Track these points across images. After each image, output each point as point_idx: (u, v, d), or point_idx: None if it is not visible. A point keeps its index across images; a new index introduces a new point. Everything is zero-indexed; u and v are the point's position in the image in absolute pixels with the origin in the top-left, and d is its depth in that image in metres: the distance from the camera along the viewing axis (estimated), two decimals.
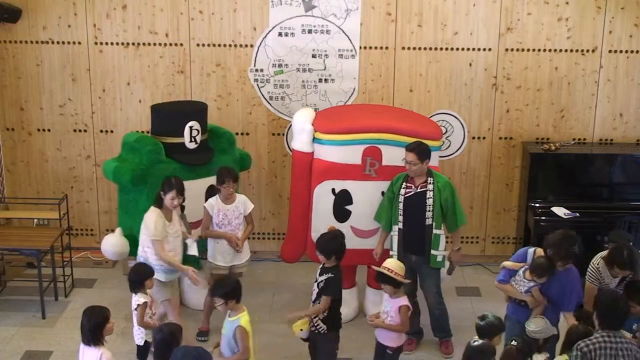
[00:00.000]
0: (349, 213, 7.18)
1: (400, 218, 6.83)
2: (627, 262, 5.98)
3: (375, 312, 6.45)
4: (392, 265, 6.11)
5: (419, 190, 6.76)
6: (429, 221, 6.76)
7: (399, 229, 6.85)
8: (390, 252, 6.95)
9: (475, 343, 5.41)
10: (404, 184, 6.80)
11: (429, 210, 6.75)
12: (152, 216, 6.59)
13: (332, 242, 6.24)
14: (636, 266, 6.04)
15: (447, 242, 6.98)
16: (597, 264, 6.19)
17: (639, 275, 6.08)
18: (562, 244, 5.85)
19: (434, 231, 6.78)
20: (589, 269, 6.21)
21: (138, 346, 6.25)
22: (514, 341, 5.35)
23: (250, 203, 7.18)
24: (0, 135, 8.69)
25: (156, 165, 7.22)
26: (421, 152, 6.68)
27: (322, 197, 7.15)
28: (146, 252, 6.66)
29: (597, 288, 6.07)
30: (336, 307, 6.29)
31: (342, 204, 7.17)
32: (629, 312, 5.33)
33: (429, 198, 6.73)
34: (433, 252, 6.82)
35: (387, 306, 6.18)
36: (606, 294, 5.44)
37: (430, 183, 6.75)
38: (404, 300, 6.14)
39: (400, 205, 6.81)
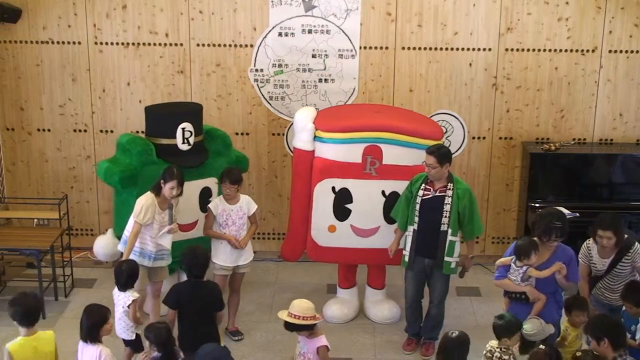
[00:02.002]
0: (348, 212, 7.18)
1: (416, 219, 6.76)
2: (609, 222, 6.11)
3: (291, 355, 5.99)
4: (298, 309, 5.59)
5: (437, 194, 6.67)
6: (444, 227, 6.66)
7: (414, 229, 6.79)
8: (403, 252, 6.92)
9: (453, 334, 5.38)
10: (423, 185, 6.71)
11: (446, 216, 6.64)
12: (143, 199, 6.68)
13: (188, 255, 6.22)
14: (619, 230, 6.12)
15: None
16: (588, 242, 6.34)
17: (622, 242, 6.16)
18: (542, 219, 5.99)
19: (449, 238, 6.69)
20: (581, 248, 6.36)
21: (130, 341, 6.25)
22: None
23: (254, 204, 7.19)
24: (0, 135, 8.69)
25: (146, 166, 7.21)
26: (441, 155, 6.58)
27: (322, 195, 7.15)
28: (127, 236, 6.78)
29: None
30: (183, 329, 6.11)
31: (342, 202, 7.16)
32: None
33: (446, 204, 6.64)
34: (447, 258, 6.74)
35: (304, 347, 5.71)
36: None
37: (449, 189, 6.65)
38: (321, 340, 5.67)
39: (417, 207, 6.72)
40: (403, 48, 8.34)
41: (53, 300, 7.90)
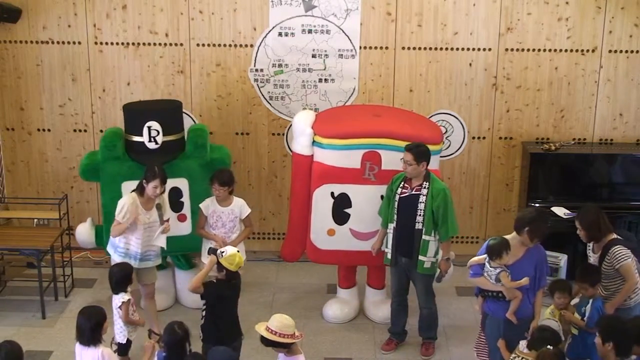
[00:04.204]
0: (348, 216, 7.17)
1: (395, 217, 6.81)
2: (579, 212, 6.38)
3: None
4: (277, 325, 5.30)
5: (413, 192, 6.72)
6: (418, 225, 6.71)
7: (394, 227, 6.83)
8: (385, 250, 6.95)
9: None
10: (402, 183, 6.78)
11: (420, 215, 6.68)
12: (125, 199, 6.72)
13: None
14: (584, 222, 6.28)
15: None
16: None
17: (595, 237, 6.30)
18: (540, 222, 6.01)
19: (423, 237, 6.72)
20: None
21: (119, 344, 6.25)
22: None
23: (247, 208, 7.16)
24: (0, 135, 8.69)
25: (109, 161, 7.37)
26: (419, 153, 6.62)
27: (322, 200, 7.14)
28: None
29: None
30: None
31: (341, 207, 7.15)
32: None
33: (420, 202, 6.68)
34: (420, 257, 6.76)
35: None
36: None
37: (425, 187, 6.69)
38: (300, 359, 5.40)
39: (395, 205, 6.78)
40: (403, 48, 8.33)
41: (53, 300, 7.90)
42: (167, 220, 6.87)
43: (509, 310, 5.97)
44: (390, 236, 6.88)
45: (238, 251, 5.98)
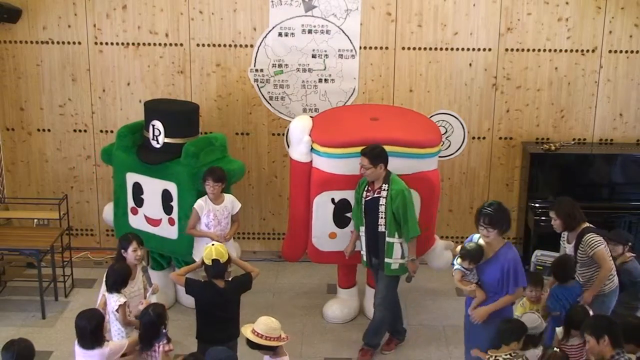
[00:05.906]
0: (348, 220, 7.16)
1: (364, 220, 6.83)
2: (554, 203, 6.55)
3: None
4: (263, 328, 5.25)
5: (375, 195, 6.73)
6: (381, 228, 6.72)
7: (364, 230, 6.86)
8: (361, 252, 6.99)
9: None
10: (367, 187, 6.79)
11: (382, 217, 6.69)
12: None
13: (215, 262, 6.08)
14: (560, 212, 6.39)
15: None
16: None
17: (570, 226, 6.43)
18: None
19: (387, 239, 6.72)
20: None
21: None
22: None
23: (238, 203, 7.18)
24: (0, 135, 8.69)
25: (119, 150, 7.61)
26: (373, 156, 6.60)
27: (322, 206, 7.13)
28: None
29: None
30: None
31: (342, 212, 7.14)
32: None
33: (381, 205, 6.68)
34: (387, 260, 6.77)
35: None
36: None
37: (384, 189, 6.68)
38: None
39: (362, 208, 6.80)
40: (403, 48, 8.33)
41: (53, 300, 7.90)
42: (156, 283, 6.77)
43: (471, 306, 6.08)
44: (363, 239, 6.91)
45: (213, 244, 6.08)
